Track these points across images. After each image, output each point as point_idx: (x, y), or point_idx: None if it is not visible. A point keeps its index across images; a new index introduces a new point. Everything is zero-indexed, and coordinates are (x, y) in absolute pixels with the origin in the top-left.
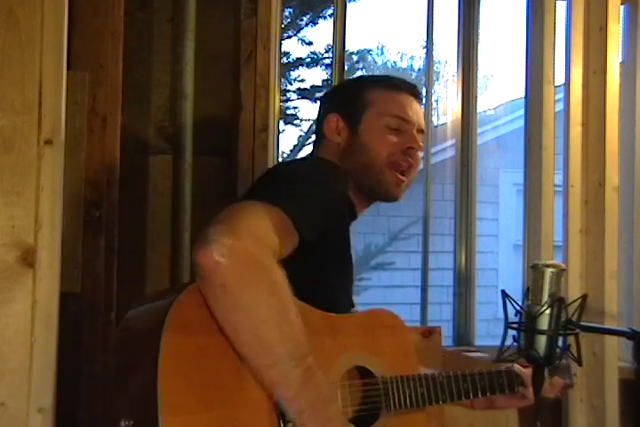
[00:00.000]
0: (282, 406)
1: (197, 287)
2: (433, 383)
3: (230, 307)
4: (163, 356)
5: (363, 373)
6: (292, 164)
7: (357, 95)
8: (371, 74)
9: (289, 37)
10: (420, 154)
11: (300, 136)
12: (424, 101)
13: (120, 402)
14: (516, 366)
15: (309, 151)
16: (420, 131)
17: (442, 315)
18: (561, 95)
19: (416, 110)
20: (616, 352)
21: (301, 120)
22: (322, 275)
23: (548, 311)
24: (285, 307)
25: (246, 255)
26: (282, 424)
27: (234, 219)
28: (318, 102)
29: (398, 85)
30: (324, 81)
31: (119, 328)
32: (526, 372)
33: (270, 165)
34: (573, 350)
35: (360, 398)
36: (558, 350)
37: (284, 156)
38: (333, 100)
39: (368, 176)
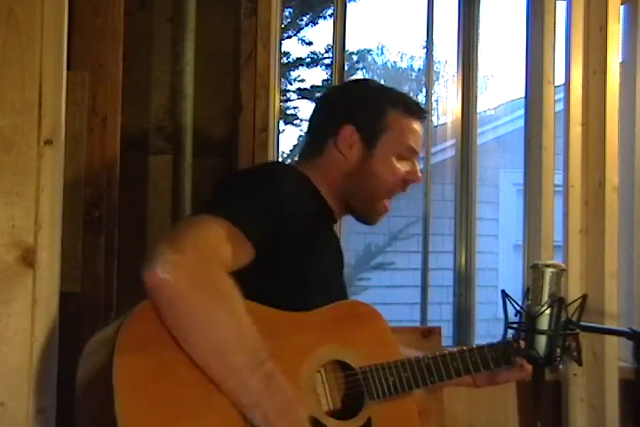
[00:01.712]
0: (246, 413)
1: (147, 305)
2: (418, 366)
3: (181, 321)
4: (116, 376)
5: (341, 366)
6: (239, 174)
7: (378, 113)
8: (384, 84)
9: (289, 37)
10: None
11: (300, 136)
12: (425, 100)
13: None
14: (509, 338)
15: (302, 150)
16: (419, 158)
17: (442, 315)
18: (561, 95)
19: (422, 139)
20: (616, 352)
21: (301, 120)
22: (291, 277)
23: (547, 311)
24: (236, 316)
25: (190, 270)
26: None
27: (178, 235)
28: (322, 98)
29: (416, 111)
30: (324, 81)
31: (81, 358)
32: (518, 342)
33: None
34: (573, 350)
35: (341, 390)
36: (558, 350)
37: (284, 156)
38: (350, 107)
39: (364, 201)
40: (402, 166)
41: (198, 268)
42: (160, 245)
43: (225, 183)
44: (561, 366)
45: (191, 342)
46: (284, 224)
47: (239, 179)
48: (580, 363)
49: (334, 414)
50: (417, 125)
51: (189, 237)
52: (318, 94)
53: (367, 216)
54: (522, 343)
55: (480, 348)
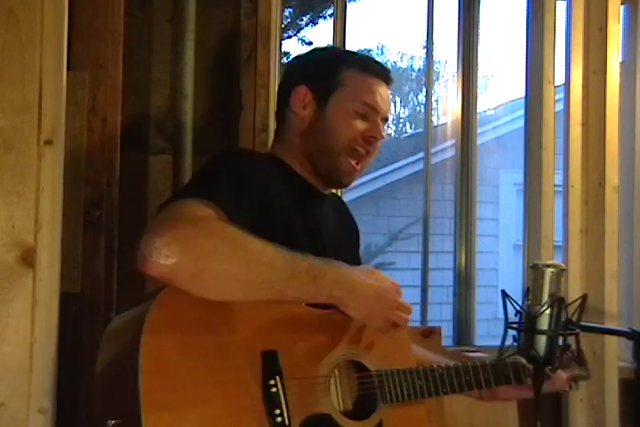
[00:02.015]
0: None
1: (173, 289)
2: (432, 376)
3: (214, 284)
4: (143, 356)
5: (357, 367)
6: (213, 159)
7: (331, 72)
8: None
9: (289, 37)
10: (379, 143)
11: None
12: (425, 100)
13: (105, 402)
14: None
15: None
16: (385, 119)
17: (442, 315)
18: (561, 95)
19: (385, 98)
20: (616, 352)
21: None
22: None
23: (547, 311)
24: (247, 245)
25: (184, 241)
26: (269, 419)
27: (156, 221)
28: (285, 66)
29: (373, 69)
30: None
31: (104, 334)
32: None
33: None
34: (573, 350)
35: (355, 391)
36: (558, 350)
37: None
38: (304, 70)
39: (325, 159)
40: (359, 123)
41: (190, 233)
42: (144, 236)
43: (201, 169)
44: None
45: (235, 293)
46: (259, 201)
47: (213, 162)
48: (580, 363)
49: (346, 414)
50: (376, 83)
51: (171, 217)
52: None
53: (335, 176)
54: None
55: (494, 365)
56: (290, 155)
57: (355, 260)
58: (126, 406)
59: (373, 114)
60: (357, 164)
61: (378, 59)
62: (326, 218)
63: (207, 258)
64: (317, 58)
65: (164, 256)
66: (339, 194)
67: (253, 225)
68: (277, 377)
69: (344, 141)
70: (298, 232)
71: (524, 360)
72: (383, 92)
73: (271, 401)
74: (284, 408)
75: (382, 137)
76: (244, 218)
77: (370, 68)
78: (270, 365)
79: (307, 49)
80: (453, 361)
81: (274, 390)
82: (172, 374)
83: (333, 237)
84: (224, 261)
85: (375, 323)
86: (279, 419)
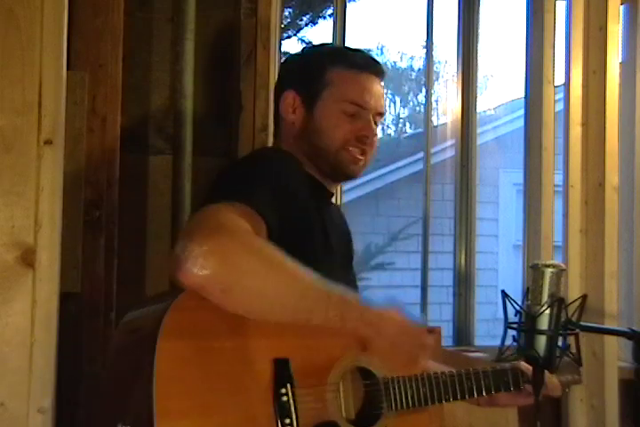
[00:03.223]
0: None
1: (191, 292)
2: (436, 383)
3: (242, 300)
4: (158, 361)
5: (364, 374)
6: (235, 162)
7: (317, 72)
8: (333, 44)
9: (289, 37)
10: (376, 138)
11: None
12: (425, 100)
13: (116, 406)
14: (522, 364)
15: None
16: (379, 114)
17: (442, 315)
18: (561, 95)
19: (376, 93)
20: (616, 352)
21: None
22: (298, 255)
23: (547, 311)
24: (284, 269)
25: (221, 254)
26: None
27: (197, 228)
28: (278, 71)
29: (360, 64)
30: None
31: (117, 330)
32: (529, 368)
33: None
34: (573, 350)
35: (361, 398)
36: (558, 351)
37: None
38: (292, 73)
39: (325, 158)
40: (348, 123)
41: (229, 247)
42: (182, 242)
43: (228, 171)
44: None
45: (263, 313)
46: (288, 202)
47: (242, 164)
48: (579, 363)
49: (352, 421)
50: (364, 79)
51: (208, 225)
52: None
53: (340, 171)
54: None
55: (494, 370)
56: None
57: (350, 267)
58: (138, 411)
59: (363, 112)
60: (360, 154)
61: (377, 58)
62: (333, 220)
63: (242, 275)
64: (304, 59)
65: (200, 266)
66: (338, 192)
67: (283, 226)
68: (288, 385)
69: (337, 143)
70: (316, 232)
71: (522, 366)
72: (373, 86)
73: (282, 410)
74: (294, 417)
75: (374, 134)
76: (277, 221)
77: (357, 63)
78: (281, 372)
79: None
80: (448, 367)
81: (284, 398)
82: (186, 380)
83: (340, 238)
84: (258, 280)
85: (398, 358)
86: None
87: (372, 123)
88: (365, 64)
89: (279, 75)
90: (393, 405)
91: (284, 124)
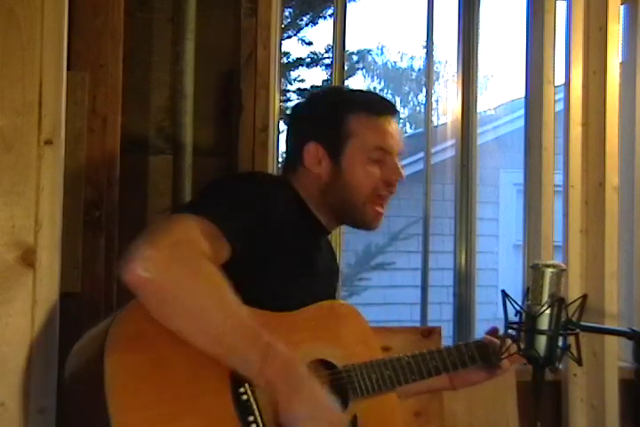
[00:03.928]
0: (253, 382)
1: (137, 303)
2: (399, 365)
3: (171, 313)
4: (108, 376)
5: (324, 365)
6: (226, 178)
7: (338, 123)
8: (347, 88)
9: (289, 37)
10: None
11: None
12: (425, 100)
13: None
14: (485, 337)
15: (283, 166)
16: (400, 153)
17: (442, 315)
18: (561, 95)
19: (396, 134)
20: (616, 352)
21: None
22: (269, 280)
23: (548, 311)
24: (224, 300)
25: (169, 263)
26: None
27: (156, 231)
28: (290, 117)
29: (378, 109)
30: (324, 81)
31: (67, 361)
32: (495, 341)
33: (270, 165)
34: (573, 350)
35: (327, 388)
36: (558, 351)
37: (284, 156)
38: (310, 125)
39: (350, 212)
40: (377, 169)
41: (177, 261)
42: (138, 241)
43: (211, 185)
44: (560, 366)
45: (188, 333)
46: (265, 230)
47: (226, 182)
48: (579, 363)
49: None
50: (385, 123)
51: (167, 232)
52: None
53: (362, 224)
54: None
55: (457, 347)
56: (307, 196)
57: (332, 292)
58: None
59: (389, 156)
60: (382, 207)
61: (378, 59)
62: (323, 249)
63: (180, 291)
64: (321, 109)
65: (144, 269)
66: None
67: (247, 248)
68: (246, 384)
69: (367, 192)
70: (294, 261)
71: (486, 339)
72: (393, 128)
73: (243, 409)
74: (257, 414)
75: (403, 178)
76: (244, 244)
77: (374, 107)
78: (237, 372)
79: (306, 49)
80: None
81: (244, 397)
82: (141, 391)
83: (319, 272)
84: (193, 302)
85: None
86: (254, 426)
87: (399, 166)
88: (383, 107)
89: (294, 123)
90: (359, 391)
91: (307, 174)
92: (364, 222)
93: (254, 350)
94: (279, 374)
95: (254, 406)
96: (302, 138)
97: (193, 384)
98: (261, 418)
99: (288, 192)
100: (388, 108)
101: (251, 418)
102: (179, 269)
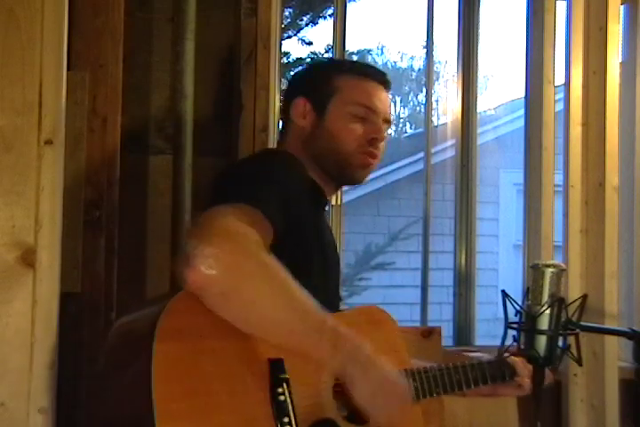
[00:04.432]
0: (327, 365)
1: (186, 293)
2: (426, 377)
3: (239, 310)
4: (155, 364)
5: None
6: (240, 163)
7: (325, 80)
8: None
9: (289, 37)
10: (383, 143)
11: None
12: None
13: (116, 410)
14: (510, 357)
15: (279, 137)
16: (386, 121)
17: (442, 315)
18: (561, 95)
19: (383, 99)
20: (616, 352)
21: None
22: (302, 265)
23: (548, 311)
24: (288, 289)
25: (232, 258)
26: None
27: (206, 228)
28: (287, 83)
29: (366, 73)
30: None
31: (111, 334)
32: (518, 361)
33: None
34: (573, 350)
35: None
36: (558, 351)
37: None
38: (301, 83)
39: (335, 160)
40: (359, 126)
41: (240, 255)
42: (190, 241)
43: (232, 173)
44: (560, 366)
45: (255, 326)
46: (293, 205)
47: (246, 166)
48: (579, 363)
49: (347, 418)
50: (370, 85)
51: (217, 227)
52: None
53: (349, 175)
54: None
55: (480, 364)
56: (300, 157)
57: (337, 263)
58: (139, 414)
59: (372, 115)
60: (370, 158)
61: (378, 59)
62: (326, 227)
63: (245, 284)
64: (313, 69)
65: (208, 266)
66: (338, 192)
67: (287, 229)
68: (284, 384)
69: (348, 145)
70: (314, 235)
71: (510, 360)
72: (381, 94)
73: (280, 409)
74: (292, 416)
75: (383, 137)
76: (283, 224)
77: (364, 71)
78: (277, 372)
79: (307, 49)
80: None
81: (282, 398)
82: (184, 382)
83: (331, 240)
84: (259, 293)
85: (374, 412)
86: None
87: (382, 127)
88: (373, 73)
89: (287, 86)
90: None
91: (293, 128)
92: (351, 172)
93: (324, 336)
94: (350, 357)
95: (290, 408)
96: (292, 94)
97: (233, 381)
98: (295, 420)
99: (300, 164)
100: (378, 75)
101: (285, 419)
102: (241, 264)
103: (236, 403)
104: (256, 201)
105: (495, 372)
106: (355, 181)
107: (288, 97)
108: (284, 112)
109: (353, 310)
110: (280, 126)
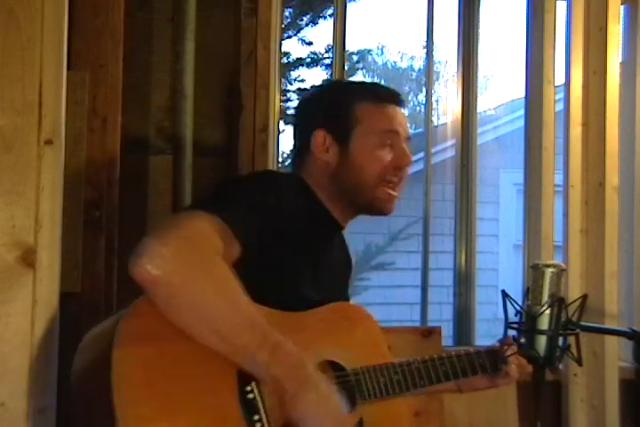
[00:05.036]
0: (260, 381)
1: (145, 299)
2: (409, 369)
3: (180, 310)
4: (115, 369)
5: (333, 367)
6: (239, 177)
7: (344, 111)
8: (352, 80)
9: (289, 37)
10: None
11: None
12: (425, 100)
13: (88, 421)
14: (497, 345)
15: (290, 164)
16: (407, 139)
17: (442, 315)
18: (561, 95)
19: (402, 120)
20: (616, 352)
21: None
22: (286, 275)
23: (548, 311)
24: (233, 297)
25: (179, 260)
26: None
27: (166, 228)
28: (296, 109)
29: (383, 97)
30: (324, 81)
31: (77, 353)
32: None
33: (270, 165)
34: (573, 350)
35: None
36: (558, 350)
37: (284, 156)
38: (318, 113)
39: (362, 194)
40: (387, 153)
41: (188, 258)
42: (147, 238)
43: (224, 184)
44: (560, 366)
45: (196, 330)
46: (278, 230)
47: (238, 181)
48: (580, 363)
49: None
50: (389, 110)
51: (177, 229)
52: None
53: (374, 208)
54: (512, 348)
55: (468, 354)
56: (318, 188)
57: (345, 295)
58: (108, 422)
59: (396, 140)
60: (394, 190)
61: (378, 59)
62: (332, 251)
63: (191, 288)
64: (328, 98)
65: (155, 265)
66: None
67: (258, 247)
68: (253, 383)
69: (376, 175)
70: (300, 261)
71: (497, 347)
72: (399, 115)
73: (249, 408)
74: (263, 414)
75: (411, 161)
76: (254, 241)
77: (380, 95)
78: (245, 370)
79: (307, 49)
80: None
81: (251, 396)
82: (149, 385)
83: (332, 270)
84: (203, 299)
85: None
86: (259, 425)
87: (406, 150)
88: (388, 95)
89: (302, 112)
90: (366, 394)
91: (314, 162)
92: (376, 206)
93: (263, 349)
94: (287, 374)
95: (260, 405)
96: (309, 127)
97: (199, 381)
98: (267, 418)
99: (301, 189)
100: (393, 97)
101: (256, 417)
102: (189, 267)
103: (203, 403)
104: (228, 215)
105: (483, 362)
106: (382, 214)
107: (305, 127)
108: (300, 140)
109: (327, 307)
110: (292, 153)
